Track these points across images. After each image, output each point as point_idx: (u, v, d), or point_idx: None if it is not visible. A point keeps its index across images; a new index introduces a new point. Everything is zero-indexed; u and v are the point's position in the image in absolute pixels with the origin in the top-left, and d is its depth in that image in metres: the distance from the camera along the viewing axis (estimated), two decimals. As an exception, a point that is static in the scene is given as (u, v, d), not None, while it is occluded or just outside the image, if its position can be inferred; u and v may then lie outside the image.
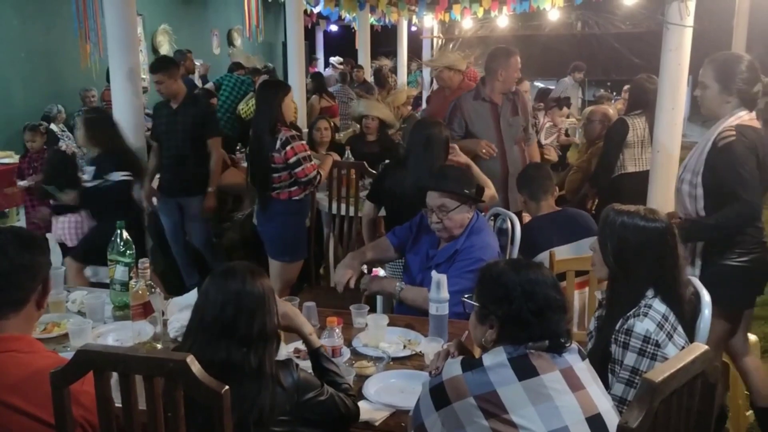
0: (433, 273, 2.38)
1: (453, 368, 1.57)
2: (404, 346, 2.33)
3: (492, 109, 4.05)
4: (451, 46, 9.67)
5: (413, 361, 2.25)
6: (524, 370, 1.53)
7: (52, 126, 6.96)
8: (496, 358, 1.56)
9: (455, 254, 2.65)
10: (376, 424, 1.87)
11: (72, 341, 2.27)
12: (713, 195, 2.62)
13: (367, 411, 1.89)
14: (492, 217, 3.34)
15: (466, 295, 1.74)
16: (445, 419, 1.55)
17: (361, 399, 1.94)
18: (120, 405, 1.44)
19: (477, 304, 1.66)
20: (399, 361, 2.24)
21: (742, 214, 2.57)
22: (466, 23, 12.28)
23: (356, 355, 2.28)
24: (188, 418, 1.42)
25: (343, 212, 4.19)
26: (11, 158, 6.27)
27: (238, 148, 6.32)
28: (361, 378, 2.08)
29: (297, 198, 3.85)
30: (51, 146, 5.86)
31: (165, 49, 10.05)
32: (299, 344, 2.19)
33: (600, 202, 4.50)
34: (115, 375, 1.42)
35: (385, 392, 2.01)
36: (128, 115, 4.32)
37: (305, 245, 4.07)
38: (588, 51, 13.06)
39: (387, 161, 5.00)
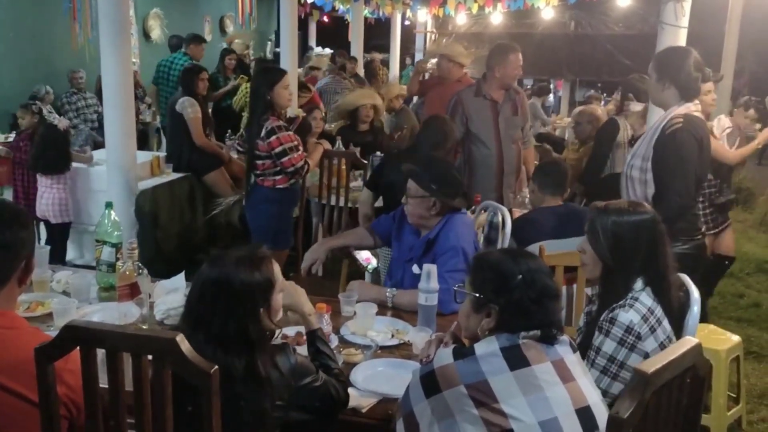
0: (424, 264, 2.38)
1: (444, 356, 1.57)
2: (392, 335, 2.32)
3: (492, 107, 4.02)
4: (444, 41, 9.66)
5: (401, 350, 2.25)
6: (516, 361, 1.53)
7: (42, 107, 6.87)
8: (488, 348, 1.56)
9: (429, 244, 2.65)
10: (363, 410, 1.86)
11: (56, 320, 2.24)
12: (661, 181, 2.68)
13: (354, 398, 1.89)
14: (482, 210, 3.34)
15: (457, 285, 1.73)
16: (435, 407, 1.54)
17: (349, 386, 1.92)
18: (105, 385, 1.42)
19: (473, 293, 1.64)
20: (387, 350, 2.24)
21: (681, 204, 2.63)
22: (460, 19, 12.29)
23: (344, 342, 2.27)
24: (176, 408, 1.39)
25: (333, 202, 4.18)
26: (-2, 137, 6.18)
27: (228, 135, 6.27)
28: (349, 365, 2.07)
29: (282, 186, 3.82)
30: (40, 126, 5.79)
31: (156, 33, 9.95)
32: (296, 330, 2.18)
33: (589, 202, 4.51)
34: (101, 354, 1.40)
35: (373, 380, 2.00)
36: (119, 99, 4.26)
37: (290, 234, 4.05)
38: (580, 51, 13.09)
39: (378, 152, 5.03)
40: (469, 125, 4.01)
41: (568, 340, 1.64)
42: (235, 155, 5.65)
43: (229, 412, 1.46)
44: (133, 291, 2.32)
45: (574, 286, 2.89)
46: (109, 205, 2.67)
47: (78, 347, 1.40)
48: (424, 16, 12.48)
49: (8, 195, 6.46)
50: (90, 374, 1.38)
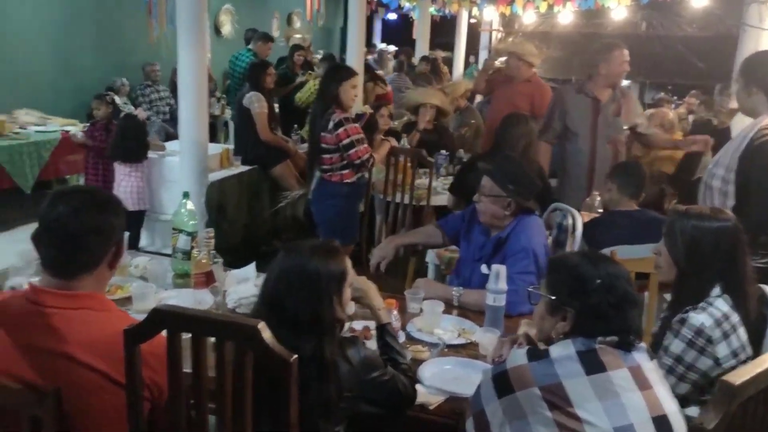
0: (494, 265, 2.36)
1: (518, 357, 1.56)
2: (459, 334, 2.32)
3: (593, 105, 3.95)
4: (510, 40, 9.55)
5: (468, 350, 2.24)
6: (592, 365, 1.51)
7: (116, 98, 7.14)
8: (564, 351, 1.54)
9: (500, 242, 2.63)
10: (431, 407, 1.87)
11: (135, 304, 2.33)
12: (744, 193, 2.56)
13: (422, 394, 1.90)
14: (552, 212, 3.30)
15: (531, 286, 1.72)
16: (507, 407, 1.54)
17: (416, 383, 1.94)
18: (188, 370, 1.46)
19: (548, 296, 1.63)
20: (453, 349, 2.23)
21: (762, 221, 2.50)
22: (528, 18, 12.12)
23: (410, 339, 2.28)
24: (254, 393, 1.43)
25: (397, 200, 4.19)
26: (75, 126, 6.44)
27: (294, 129, 6.38)
28: (416, 362, 2.08)
29: (349, 181, 3.87)
30: (114, 117, 6.02)
31: (227, 28, 10.18)
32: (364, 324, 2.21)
33: (679, 203, 4.41)
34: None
35: (440, 378, 2.01)
36: (193, 92, 4.38)
37: (356, 229, 4.09)
38: (651, 52, 12.70)
39: (443, 150, 5.02)
40: (566, 122, 3.99)
41: (646, 348, 1.61)
42: (303, 148, 5.75)
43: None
44: (208, 279, 2.39)
45: (645, 293, 2.83)
46: (186, 195, 2.76)
47: (163, 331, 1.45)
48: (490, 14, 12.37)
49: (81, 182, 6.76)
50: (175, 357, 1.43)
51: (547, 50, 5.70)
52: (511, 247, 2.59)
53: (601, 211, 3.42)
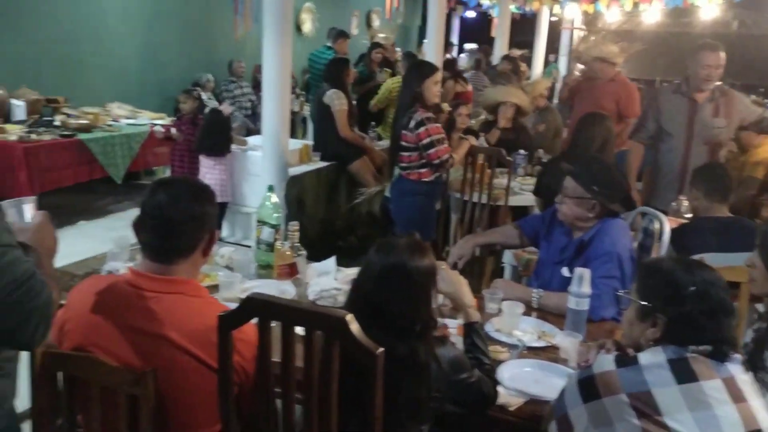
0: (577, 268, 2.31)
1: (606, 362, 1.53)
2: (538, 337, 2.29)
3: (690, 105, 3.86)
4: (592, 38, 9.30)
5: (548, 353, 2.20)
6: (683, 374, 1.46)
7: (201, 93, 7.40)
8: (653, 358, 1.50)
9: (583, 245, 2.57)
10: (511, 409, 1.85)
11: (221, 292, 2.40)
12: None
13: (501, 395, 1.88)
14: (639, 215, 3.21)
15: (621, 291, 1.68)
16: (593, 413, 1.51)
17: (497, 384, 1.92)
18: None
19: (639, 301, 1.59)
20: (533, 351, 2.20)
21: None
22: (611, 16, 11.79)
23: (488, 339, 2.26)
24: (340, 385, 1.45)
25: (474, 199, 4.17)
26: (163, 120, 6.71)
27: (371, 126, 6.44)
28: (495, 362, 2.07)
29: (427, 180, 3.88)
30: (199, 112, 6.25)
31: (307, 26, 10.37)
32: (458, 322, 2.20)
33: None
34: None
35: (520, 380, 1.98)
36: (277, 89, 4.48)
37: (433, 227, 4.10)
38: (742, 53, 12.12)
39: (522, 150, 4.96)
40: (661, 122, 3.92)
41: (741, 359, 1.54)
42: (379, 145, 5.80)
43: (387, 396, 1.50)
44: (291, 270, 2.45)
45: (735, 304, 2.71)
46: (270, 189, 2.83)
47: (254, 319, 1.50)
48: (572, 11, 12.10)
49: (167, 173, 7.03)
50: (265, 344, 1.48)
51: (630, 48, 5.51)
52: (594, 250, 2.53)
53: (689, 216, 3.30)
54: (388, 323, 1.60)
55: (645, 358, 1.51)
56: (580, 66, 6.30)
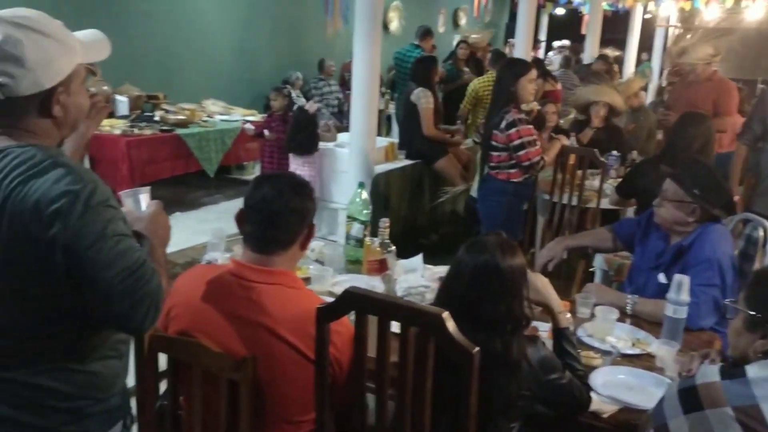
0: (676, 275, 2.23)
1: (710, 373, 1.46)
2: (633, 344, 2.22)
3: None
4: (688, 36, 8.93)
5: (642, 360, 2.14)
6: (796, 390, 1.39)
7: (291, 91, 7.59)
8: (762, 371, 1.43)
9: (682, 251, 2.47)
10: (604, 416, 1.81)
11: (312, 285, 2.46)
12: None
13: (594, 402, 1.84)
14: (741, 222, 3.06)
15: (728, 300, 1.61)
16: (694, 424, 1.45)
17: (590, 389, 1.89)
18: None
19: (748, 311, 1.52)
20: (627, 358, 2.14)
21: None
22: (709, 13, 11.26)
23: (581, 344, 2.21)
24: (433, 382, 1.47)
25: (564, 201, 4.08)
26: (254, 117, 6.92)
27: (457, 123, 6.42)
28: (587, 368, 2.02)
29: (516, 180, 3.82)
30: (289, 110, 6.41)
31: (395, 25, 10.43)
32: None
33: None
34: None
35: (614, 387, 1.94)
36: (366, 87, 4.54)
37: (520, 228, 4.04)
38: None
39: (615, 151, 4.81)
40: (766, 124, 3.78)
41: None
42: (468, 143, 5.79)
43: (479, 391, 1.50)
44: (381, 266, 2.48)
45: None
46: (361, 185, 2.87)
47: (351, 312, 1.53)
48: (668, 9, 11.63)
49: (257, 168, 7.25)
50: (361, 337, 1.50)
51: (730, 38, 5.26)
52: (694, 256, 2.43)
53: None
54: (481, 321, 1.61)
55: (753, 370, 1.44)
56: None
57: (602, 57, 8.09)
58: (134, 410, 1.67)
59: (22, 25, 1.29)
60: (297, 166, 5.00)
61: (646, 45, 13.00)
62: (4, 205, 1.26)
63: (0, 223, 1.26)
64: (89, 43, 1.41)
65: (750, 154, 3.89)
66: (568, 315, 2.18)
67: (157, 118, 5.94)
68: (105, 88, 5.76)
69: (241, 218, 1.74)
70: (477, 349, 1.39)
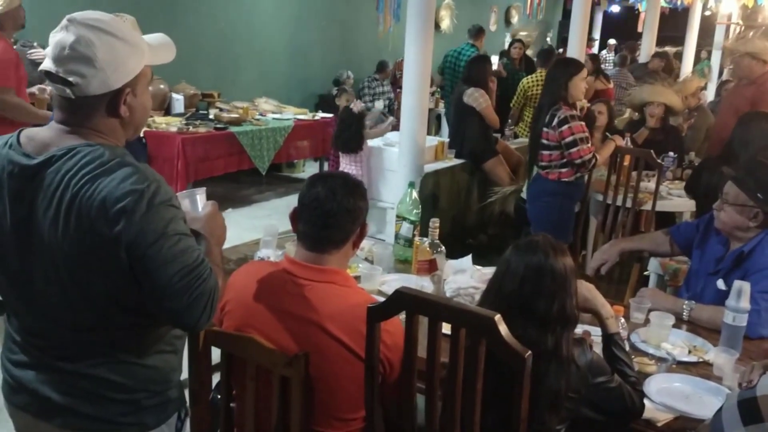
0: (736, 281, 2.16)
1: (772, 384, 1.42)
2: (689, 351, 2.17)
3: None
4: (750, 34, 8.58)
5: (699, 368, 2.08)
6: None
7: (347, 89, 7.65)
8: (827, 384, 1.37)
9: (742, 256, 2.39)
10: (659, 425, 1.77)
11: (362, 283, 2.47)
12: None
13: (648, 409, 1.80)
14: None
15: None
16: (754, 437, 1.40)
17: (644, 396, 1.85)
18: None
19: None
20: (683, 366, 2.09)
21: None
22: (775, 9, 10.85)
23: (634, 350, 2.17)
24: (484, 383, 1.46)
25: (618, 202, 4.00)
26: (305, 115, 7.00)
27: (507, 124, 6.37)
28: (640, 374, 1.98)
29: (567, 180, 3.77)
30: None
31: (446, 23, 10.40)
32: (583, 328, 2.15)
33: None
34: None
35: (668, 394, 1.89)
36: (417, 86, 4.53)
37: (570, 229, 3.98)
38: None
39: (671, 152, 4.69)
40: None
41: None
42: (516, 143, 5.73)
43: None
44: (431, 266, 2.48)
45: None
46: (411, 185, 2.87)
47: (401, 312, 1.53)
48: (729, 5, 11.25)
49: (307, 165, 7.32)
50: (412, 337, 1.51)
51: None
52: (755, 262, 2.35)
53: None
54: (533, 318, 1.60)
55: (818, 383, 1.39)
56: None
57: (659, 54, 7.88)
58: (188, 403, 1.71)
59: (94, 27, 1.33)
60: (345, 164, 5.04)
61: (705, 43, 12.61)
62: (73, 202, 1.30)
63: (68, 220, 1.31)
64: (156, 46, 1.46)
65: None
66: (622, 320, 2.15)
67: (211, 116, 6.07)
68: (162, 86, 5.91)
69: (294, 217, 1.77)
70: (529, 353, 1.38)
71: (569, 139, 3.61)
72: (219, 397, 1.86)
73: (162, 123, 5.57)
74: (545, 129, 3.69)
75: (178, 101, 6.20)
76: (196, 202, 1.57)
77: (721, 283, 2.42)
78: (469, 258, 2.72)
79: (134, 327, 1.43)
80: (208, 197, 1.62)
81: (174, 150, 5.30)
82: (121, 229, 1.28)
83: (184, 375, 1.66)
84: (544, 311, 1.61)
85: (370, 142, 5.15)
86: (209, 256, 1.45)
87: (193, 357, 1.76)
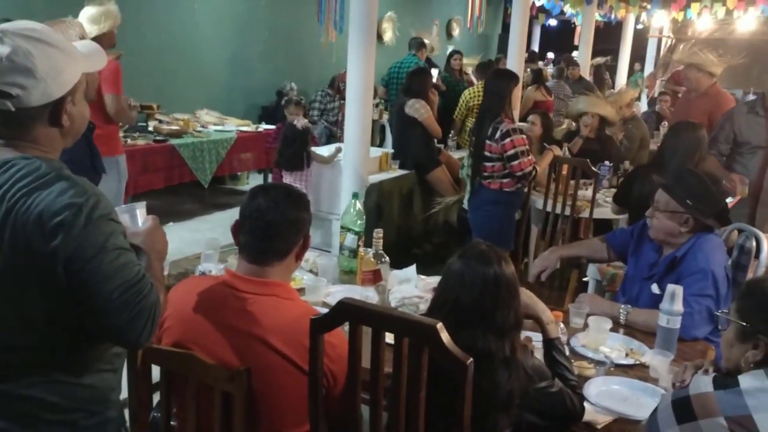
0: (670, 285, 2.24)
1: (703, 383, 1.47)
2: (626, 354, 2.23)
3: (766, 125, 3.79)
4: (681, 47, 8.96)
5: (636, 371, 2.15)
6: (789, 400, 1.39)
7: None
8: (755, 382, 1.43)
9: (675, 261, 2.48)
10: (598, 427, 1.81)
11: (306, 296, 2.46)
12: None
13: (588, 412, 1.84)
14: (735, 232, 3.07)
15: (720, 311, 1.62)
16: (688, 435, 1.46)
17: (584, 400, 1.89)
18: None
19: (739, 322, 1.53)
20: (620, 369, 2.15)
21: None
22: (702, 23, 11.35)
23: (574, 354, 2.22)
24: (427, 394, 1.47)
25: (557, 210, 4.10)
26: (248, 127, 6.92)
27: (450, 135, 6.44)
28: (580, 378, 2.03)
29: (508, 190, 3.85)
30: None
31: (388, 35, 10.47)
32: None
33: None
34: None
35: (608, 397, 1.94)
36: (360, 98, 4.54)
37: (512, 237, 4.06)
38: None
39: (607, 161, 4.84)
40: (737, 140, 3.88)
41: None
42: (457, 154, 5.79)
43: (478, 392, 1.51)
44: (375, 277, 2.48)
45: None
46: (355, 196, 2.88)
47: (345, 323, 1.53)
48: (661, 19, 11.73)
49: (251, 178, 7.20)
50: (355, 349, 1.50)
51: (728, 58, 5.21)
52: (687, 266, 2.44)
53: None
54: (491, 330, 1.62)
55: (746, 381, 1.45)
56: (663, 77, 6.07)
57: (564, 62, 8.18)
58: (128, 422, 1.66)
59: (29, 37, 1.30)
60: (290, 182, 4.97)
61: (638, 55, 13.10)
62: (7, 217, 1.26)
63: (2, 235, 1.26)
64: (87, 54, 1.43)
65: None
66: (561, 325, 2.20)
67: (150, 129, 5.93)
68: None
69: (236, 229, 1.75)
70: (471, 360, 1.39)
71: (511, 152, 3.69)
72: (159, 415, 1.81)
73: (99, 135, 5.41)
74: (488, 141, 3.76)
75: (116, 113, 6.03)
76: (136, 217, 1.53)
77: (655, 288, 2.50)
78: (413, 268, 2.73)
79: (71, 346, 1.38)
80: (149, 211, 1.58)
81: (112, 163, 5.15)
82: (58, 244, 1.25)
83: (124, 394, 1.62)
84: (502, 320, 1.63)
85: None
86: (150, 272, 1.42)
87: (132, 375, 1.72)
